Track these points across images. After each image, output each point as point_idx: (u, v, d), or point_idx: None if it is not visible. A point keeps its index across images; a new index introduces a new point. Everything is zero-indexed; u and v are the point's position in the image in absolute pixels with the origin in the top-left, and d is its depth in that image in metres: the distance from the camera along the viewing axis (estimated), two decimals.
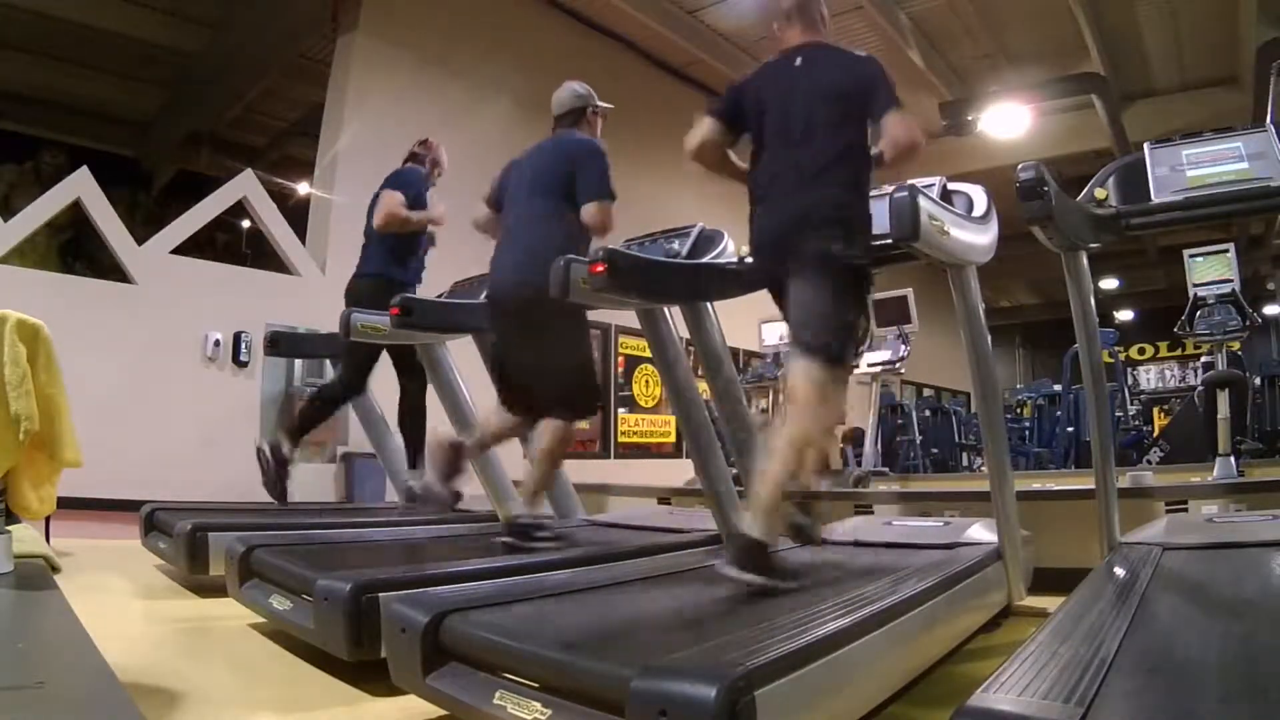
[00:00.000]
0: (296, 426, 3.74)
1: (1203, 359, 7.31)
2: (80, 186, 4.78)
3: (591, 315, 2.78)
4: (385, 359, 3.83)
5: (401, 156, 3.92)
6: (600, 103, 2.92)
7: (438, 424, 3.59)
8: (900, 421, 7.50)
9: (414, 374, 3.72)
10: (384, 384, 3.92)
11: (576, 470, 3.32)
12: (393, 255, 3.67)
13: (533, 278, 2.43)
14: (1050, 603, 1.98)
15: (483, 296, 2.91)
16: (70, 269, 6.48)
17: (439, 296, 3.48)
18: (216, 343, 5.07)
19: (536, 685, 1.33)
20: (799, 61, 2.21)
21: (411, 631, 1.51)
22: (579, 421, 2.85)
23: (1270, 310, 12.90)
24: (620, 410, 8.04)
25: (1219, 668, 1.12)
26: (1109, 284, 15.31)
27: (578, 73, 2.98)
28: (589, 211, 2.63)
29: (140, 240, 4.96)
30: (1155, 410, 10.12)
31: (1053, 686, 1.02)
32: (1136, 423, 7.53)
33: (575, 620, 1.59)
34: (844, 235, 2.03)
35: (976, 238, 2.09)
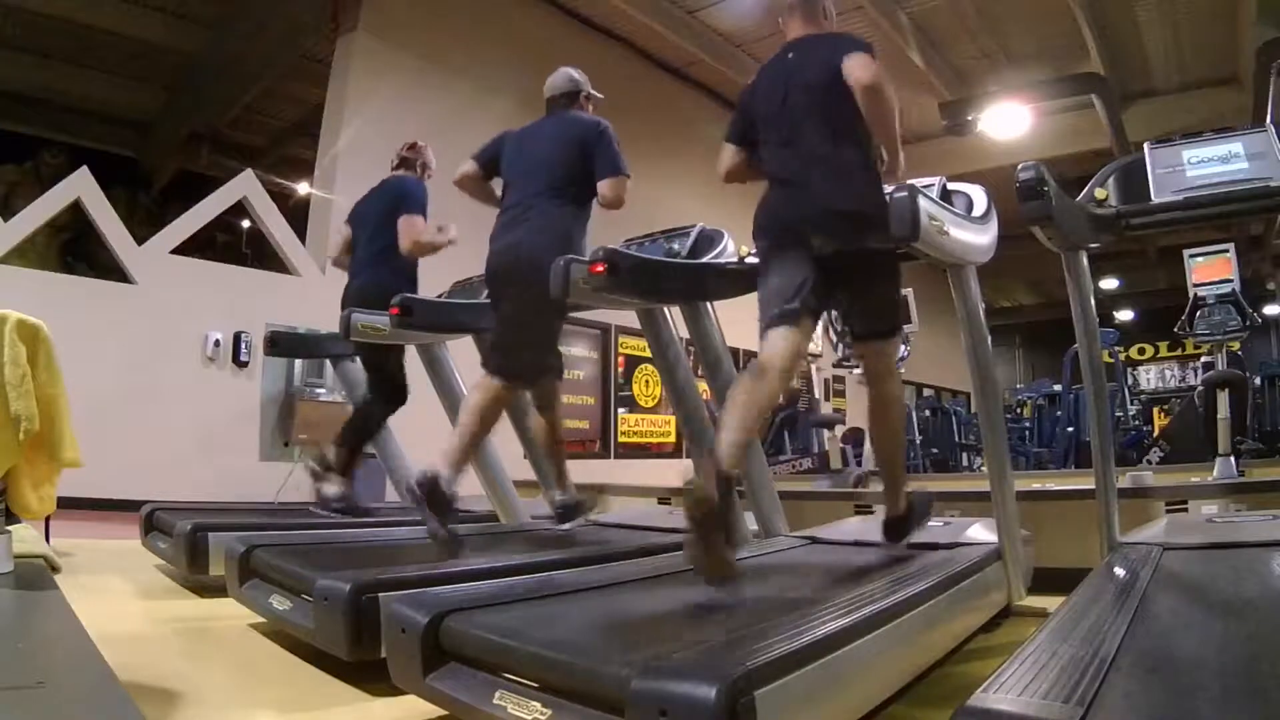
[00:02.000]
0: (345, 460, 3.55)
1: (1203, 359, 7.32)
2: (80, 186, 4.78)
3: (591, 315, 2.79)
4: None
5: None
6: (593, 90, 2.92)
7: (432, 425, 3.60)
8: None
9: (380, 391, 3.63)
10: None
11: (577, 470, 3.31)
12: (390, 265, 3.52)
13: (534, 261, 2.45)
14: (1050, 603, 1.98)
15: (485, 275, 2.88)
16: (70, 269, 6.48)
17: (439, 296, 3.47)
18: (216, 343, 5.07)
19: (536, 685, 1.33)
20: (791, 55, 2.22)
21: (411, 631, 1.51)
22: (549, 385, 2.93)
23: (1270, 310, 12.90)
24: (620, 410, 8.04)
25: (1219, 668, 1.12)
26: (1109, 284, 15.32)
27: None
28: (605, 186, 2.63)
29: (140, 240, 4.96)
30: (1155, 410, 10.13)
31: (1053, 686, 1.02)
32: (1136, 423, 7.53)
33: (575, 620, 1.59)
34: (871, 226, 2.01)
35: (976, 238, 2.09)
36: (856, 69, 2.00)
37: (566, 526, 3.06)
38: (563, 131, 2.74)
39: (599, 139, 2.68)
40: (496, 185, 2.92)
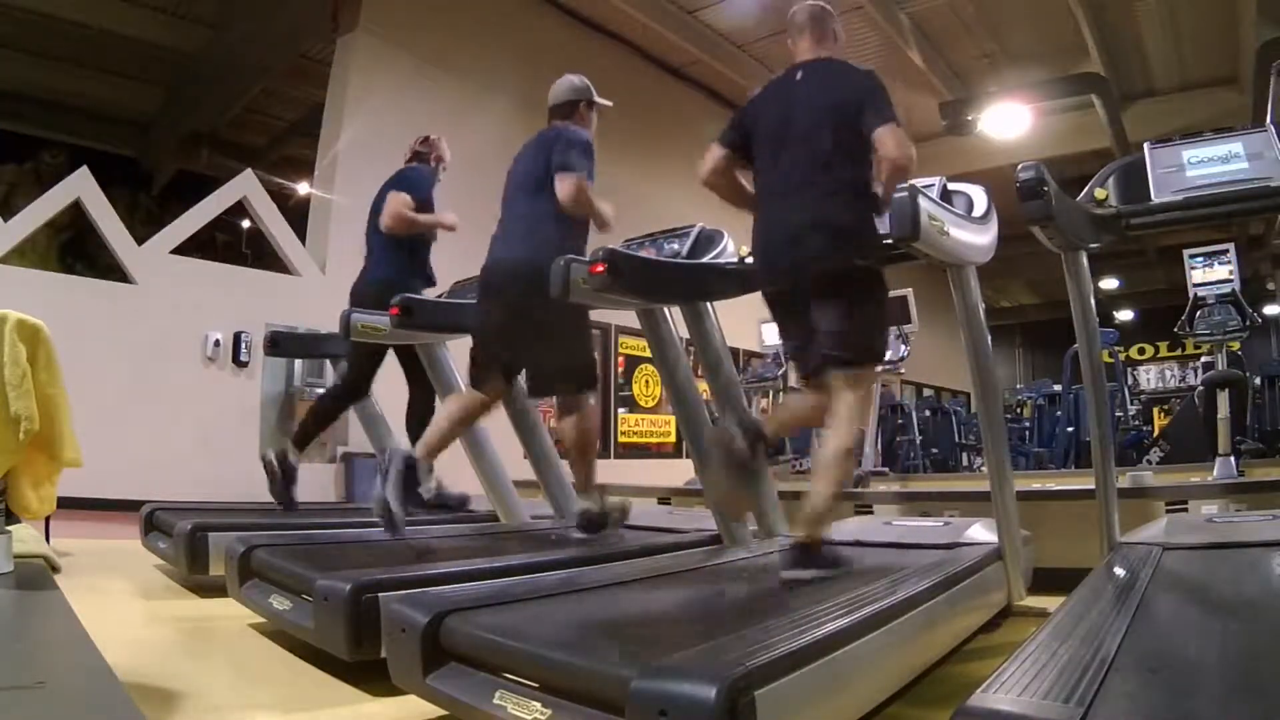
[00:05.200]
0: (303, 434, 3.68)
1: (1203, 359, 7.32)
2: (80, 186, 4.77)
3: (591, 315, 2.79)
4: (389, 361, 3.79)
5: (401, 155, 3.90)
6: (599, 99, 2.92)
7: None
8: (900, 421, 7.50)
9: (421, 383, 3.67)
10: (385, 383, 3.91)
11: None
12: (401, 259, 3.60)
13: (531, 266, 2.46)
14: (1050, 603, 1.98)
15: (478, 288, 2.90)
16: (70, 269, 6.48)
17: (439, 296, 3.47)
18: (216, 343, 5.07)
19: (536, 685, 1.32)
20: (800, 76, 2.22)
21: (411, 631, 1.51)
22: (588, 397, 2.84)
23: (1270, 310, 12.91)
24: (620, 410, 8.04)
25: (1219, 668, 1.12)
26: (1109, 284, 15.31)
27: (577, 72, 2.98)
28: (557, 184, 2.63)
29: (140, 240, 4.96)
30: (1155, 410, 10.13)
31: (1053, 686, 1.02)
32: (1136, 423, 7.53)
33: (575, 620, 1.59)
34: (855, 247, 2.05)
35: (976, 238, 2.09)
36: (893, 150, 2.00)
37: (587, 536, 2.80)
38: (542, 144, 2.79)
39: (556, 140, 2.72)
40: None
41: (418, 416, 3.77)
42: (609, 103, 2.95)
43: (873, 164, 2.10)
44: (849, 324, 2.05)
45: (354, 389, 3.76)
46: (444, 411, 2.89)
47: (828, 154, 2.08)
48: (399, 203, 3.51)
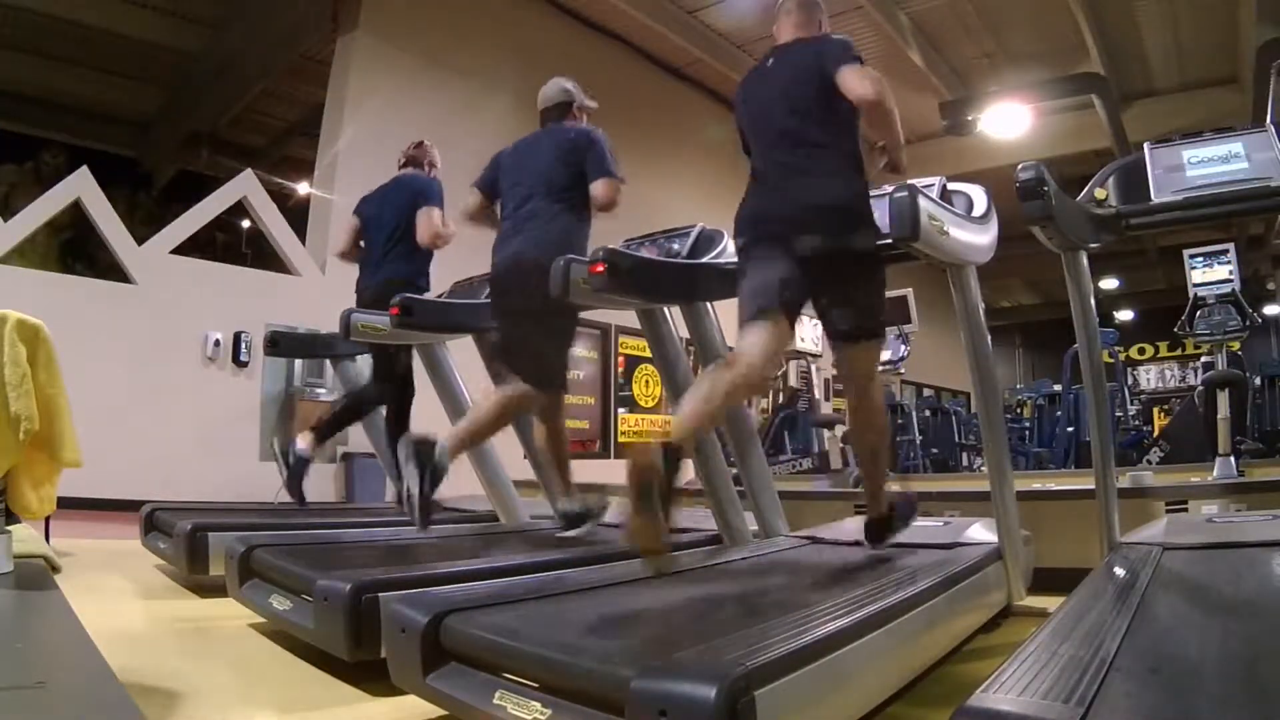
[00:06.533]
0: (325, 426, 3.64)
1: (1203, 359, 7.31)
2: (80, 186, 4.78)
3: (591, 315, 2.80)
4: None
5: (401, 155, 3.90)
6: (587, 101, 2.94)
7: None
8: (900, 421, 7.49)
9: (395, 383, 3.66)
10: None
11: (577, 470, 3.31)
12: (410, 260, 3.57)
13: (537, 266, 2.47)
14: (1050, 603, 1.98)
15: (489, 284, 2.90)
16: (70, 269, 6.48)
17: (439, 296, 3.47)
18: (216, 343, 5.07)
19: (536, 685, 1.32)
20: (771, 61, 2.22)
21: (411, 631, 1.51)
22: (555, 395, 2.84)
23: (1270, 310, 12.91)
24: (620, 410, 8.04)
25: (1219, 668, 1.12)
26: (1109, 284, 15.31)
27: (577, 72, 2.99)
28: (598, 188, 2.67)
29: (140, 240, 4.97)
30: (1155, 410, 10.13)
31: (1053, 686, 1.02)
32: (1136, 423, 7.53)
33: (575, 620, 1.59)
34: (856, 228, 2.03)
35: (976, 238, 2.09)
36: (856, 86, 1.97)
37: (573, 533, 2.93)
38: (556, 141, 2.79)
39: (590, 145, 2.73)
40: None
41: (394, 414, 3.73)
42: (595, 105, 2.97)
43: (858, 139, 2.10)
44: (861, 301, 2.13)
45: (383, 396, 3.73)
46: (481, 408, 2.82)
47: (809, 135, 2.07)
48: (437, 221, 3.46)
